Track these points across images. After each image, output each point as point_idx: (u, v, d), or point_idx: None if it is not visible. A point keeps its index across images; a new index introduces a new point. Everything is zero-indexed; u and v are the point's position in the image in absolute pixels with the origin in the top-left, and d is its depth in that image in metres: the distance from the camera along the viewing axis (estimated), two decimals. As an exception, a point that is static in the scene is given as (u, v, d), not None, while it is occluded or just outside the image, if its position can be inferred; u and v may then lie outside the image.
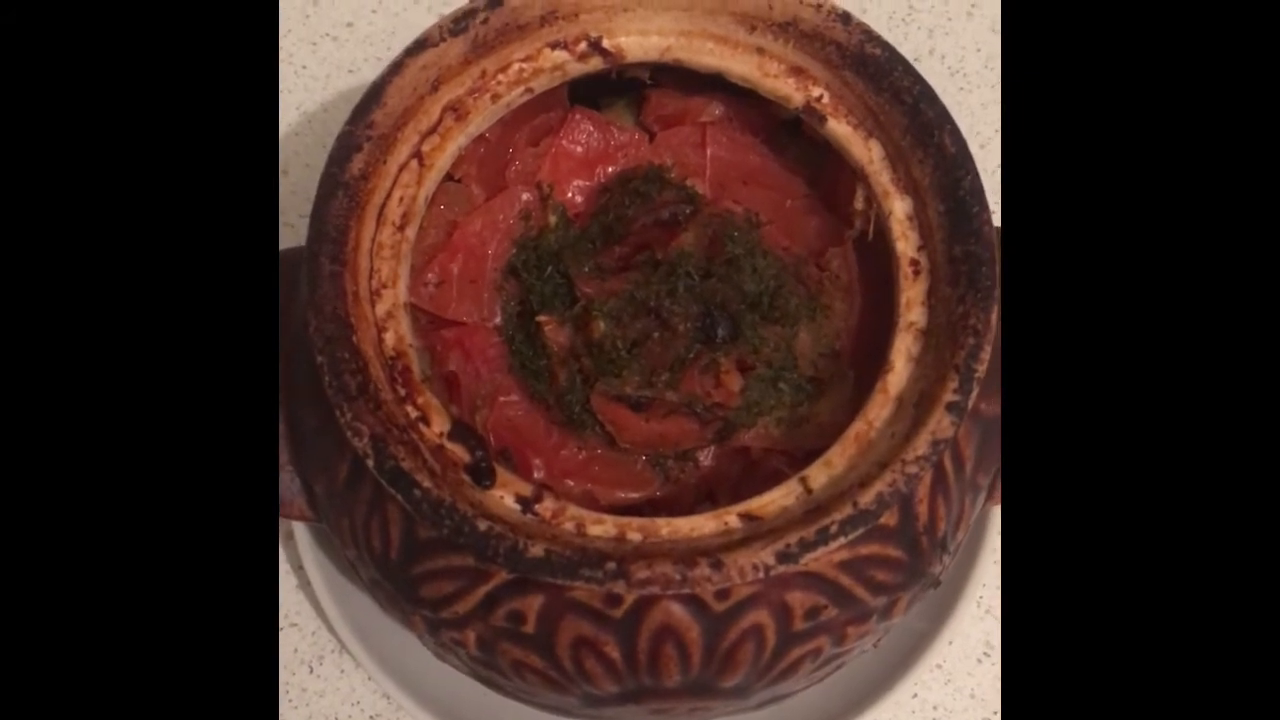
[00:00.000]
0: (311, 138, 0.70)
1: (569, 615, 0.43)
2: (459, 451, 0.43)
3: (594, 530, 0.41)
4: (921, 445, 0.41)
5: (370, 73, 0.70)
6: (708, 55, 0.49)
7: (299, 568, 0.61)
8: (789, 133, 0.53)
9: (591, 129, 0.52)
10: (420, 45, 0.47)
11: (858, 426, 0.43)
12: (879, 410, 0.44)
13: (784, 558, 0.39)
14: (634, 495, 0.48)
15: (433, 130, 0.48)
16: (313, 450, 0.47)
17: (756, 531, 0.41)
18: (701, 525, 0.41)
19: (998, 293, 0.43)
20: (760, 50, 0.48)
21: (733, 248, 0.49)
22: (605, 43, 0.49)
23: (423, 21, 0.71)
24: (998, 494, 0.49)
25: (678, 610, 0.42)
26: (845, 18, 0.47)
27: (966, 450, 0.46)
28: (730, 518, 0.42)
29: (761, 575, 0.39)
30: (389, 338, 0.45)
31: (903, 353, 0.44)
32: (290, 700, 0.61)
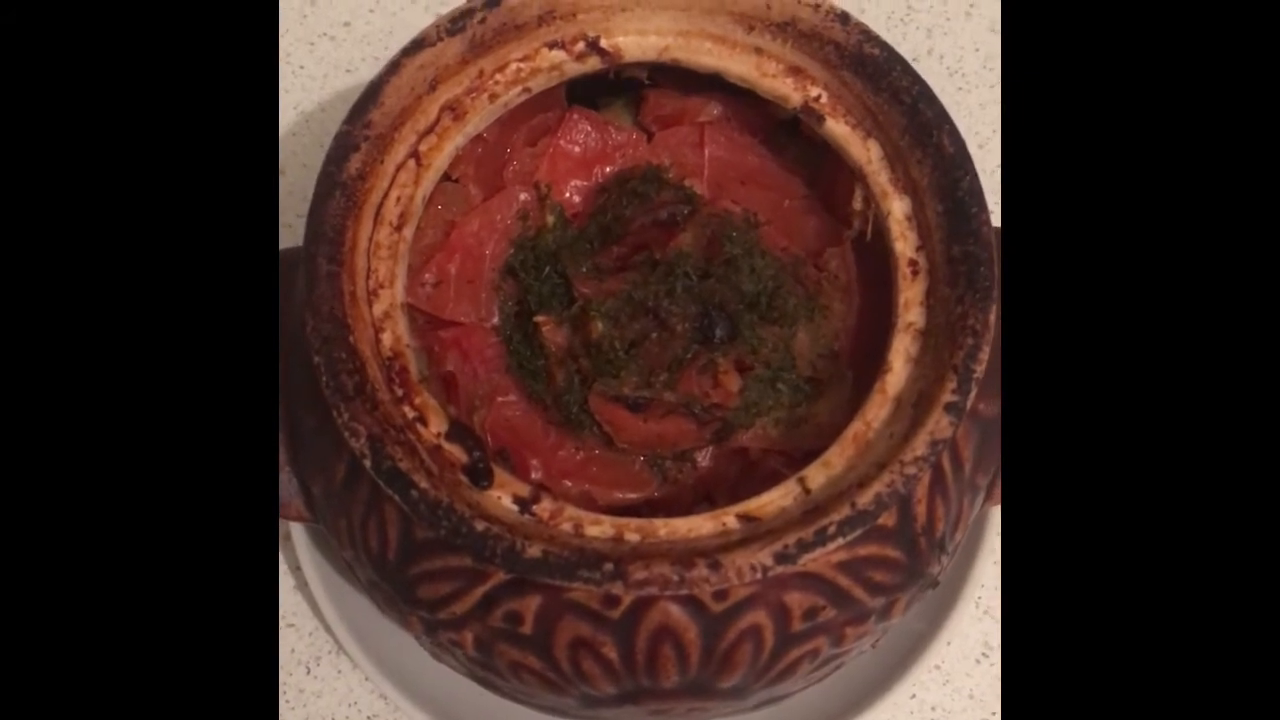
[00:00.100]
0: (309, 137, 0.70)
1: (567, 616, 0.42)
2: (456, 452, 0.43)
3: (592, 531, 0.41)
4: (920, 446, 0.41)
5: (368, 72, 0.70)
6: (706, 55, 0.49)
7: (296, 568, 0.61)
8: (787, 133, 0.53)
9: (589, 129, 0.52)
10: (417, 45, 0.47)
11: (856, 427, 0.43)
12: (877, 411, 0.43)
13: (782, 558, 0.39)
14: (632, 496, 0.48)
15: (430, 130, 0.47)
16: (310, 451, 0.47)
17: (754, 532, 0.41)
18: (699, 526, 0.41)
19: (996, 293, 0.43)
20: (758, 50, 0.48)
21: (731, 248, 0.49)
22: (603, 42, 0.48)
23: (420, 21, 0.71)
24: (996, 494, 0.48)
25: (676, 611, 0.42)
26: (844, 18, 0.47)
27: (965, 451, 0.46)
28: (728, 518, 0.42)
29: (759, 576, 0.39)
30: (386, 338, 0.45)
31: (901, 353, 0.44)
32: (287, 701, 0.61)
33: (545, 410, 0.49)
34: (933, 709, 0.61)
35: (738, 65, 0.49)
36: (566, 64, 0.49)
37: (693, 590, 0.39)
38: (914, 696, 0.61)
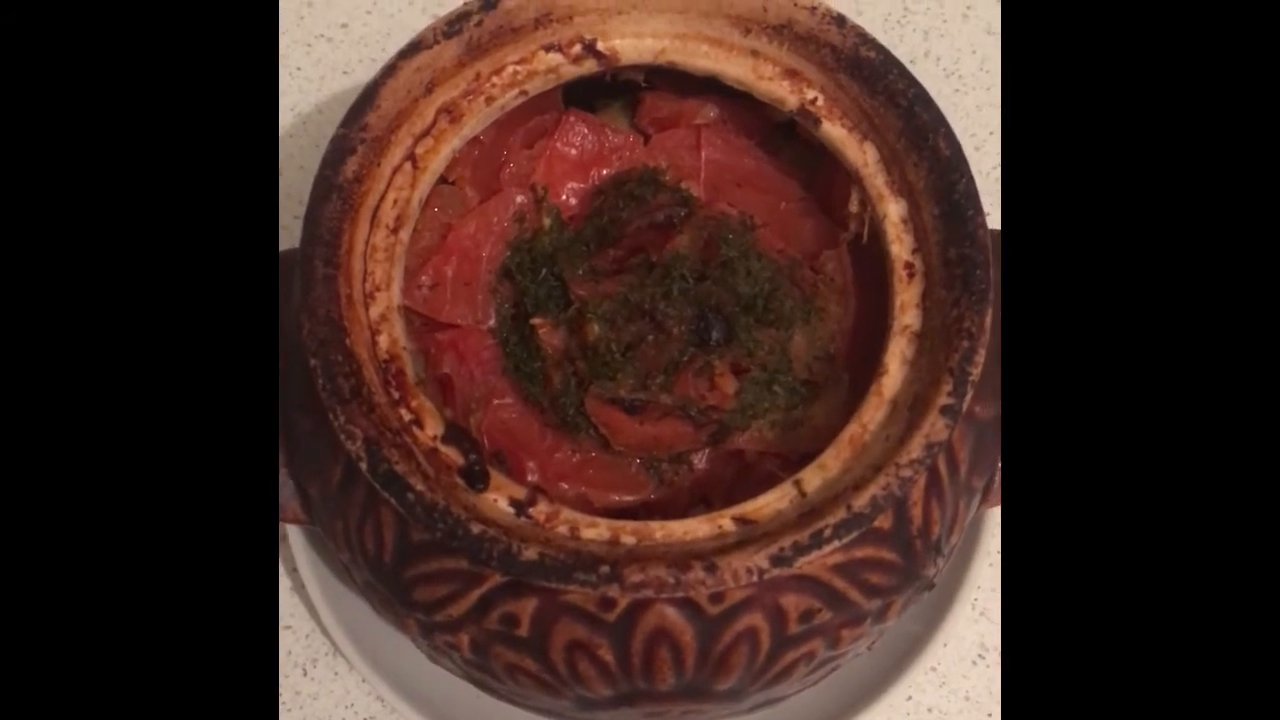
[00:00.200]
0: (306, 139, 0.70)
1: (563, 618, 0.43)
2: (453, 454, 0.43)
3: (588, 533, 0.41)
4: (916, 448, 0.41)
5: (365, 74, 0.70)
6: (702, 58, 0.49)
7: (293, 570, 0.61)
8: (784, 135, 0.53)
9: (586, 131, 0.52)
10: (414, 48, 0.47)
11: (852, 429, 0.43)
12: (873, 413, 0.44)
13: (778, 561, 0.39)
14: (628, 498, 0.48)
15: (427, 133, 0.47)
16: (307, 453, 0.47)
17: (750, 535, 0.41)
18: (695, 528, 0.41)
19: (992, 296, 0.43)
20: (755, 53, 0.48)
21: (727, 250, 0.49)
22: (600, 45, 0.48)
23: (417, 23, 0.71)
24: (992, 497, 0.49)
25: (672, 614, 0.42)
26: (840, 20, 0.47)
27: (961, 453, 0.46)
28: (724, 521, 0.42)
29: (755, 578, 0.39)
30: (383, 341, 0.45)
31: (897, 356, 0.44)
32: (284, 703, 0.61)
33: (542, 413, 0.49)
34: (929, 711, 0.61)
35: (734, 68, 0.49)
36: (563, 67, 0.49)
37: (689, 593, 0.39)
38: (910, 698, 0.61)
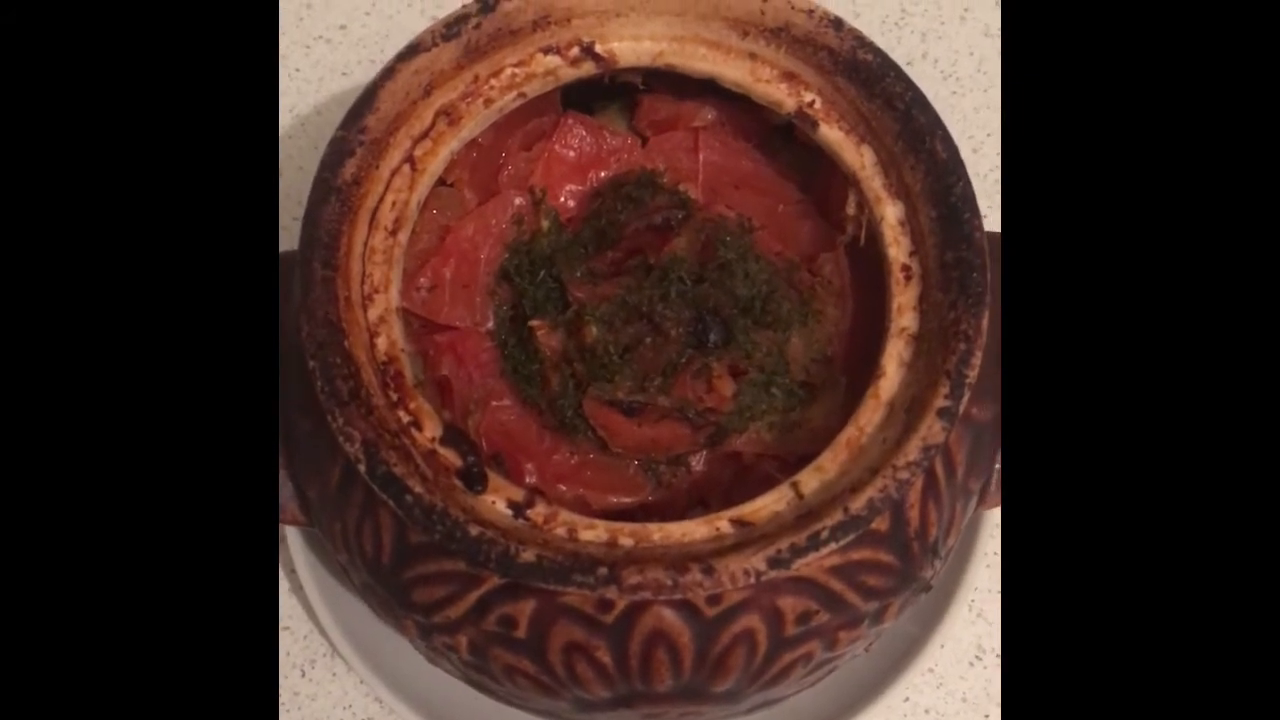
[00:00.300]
0: (305, 140, 0.70)
1: (561, 620, 0.43)
2: (451, 456, 0.43)
3: (586, 535, 0.42)
4: (913, 450, 0.41)
5: (363, 76, 0.70)
6: (700, 60, 0.49)
7: (291, 572, 0.61)
8: (781, 138, 0.53)
9: (584, 133, 0.52)
10: (413, 50, 0.47)
11: (849, 432, 0.43)
12: (870, 415, 0.44)
13: (775, 563, 0.40)
14: (626, 500, 0.48)
15: (425, 135, 0.48)
16: (305, 455, 0.47)
17: (748, 537, 0.41)
18: (693, 530, 0.42)
19: (989, 298, 0.43)
20: (752, 56, 0.48)
21: (725, 252, 0.49)
22: (598, 48, 0.49)
23: (416, 25, 0.71)
24: (989, 498, 0.49)
25: (669, 615, 0.42)
26: (837, 23, 0.47)
27: (958, 455, 0.46)
28: (722, 523, 0.42)
29: (753, 580, 0.39)
30: (381, 342, 0.45)
31: (894, 358, 0.44)
32: (283, 704, 0.61)
33: (540, 415, 0.49)
34: (926, 712, 0.61)
35: (732, 71, 0.49)
36: (561, 69, 0.49)
37: (686, 595, 0.39)
38: (907, 699, 0.61)
